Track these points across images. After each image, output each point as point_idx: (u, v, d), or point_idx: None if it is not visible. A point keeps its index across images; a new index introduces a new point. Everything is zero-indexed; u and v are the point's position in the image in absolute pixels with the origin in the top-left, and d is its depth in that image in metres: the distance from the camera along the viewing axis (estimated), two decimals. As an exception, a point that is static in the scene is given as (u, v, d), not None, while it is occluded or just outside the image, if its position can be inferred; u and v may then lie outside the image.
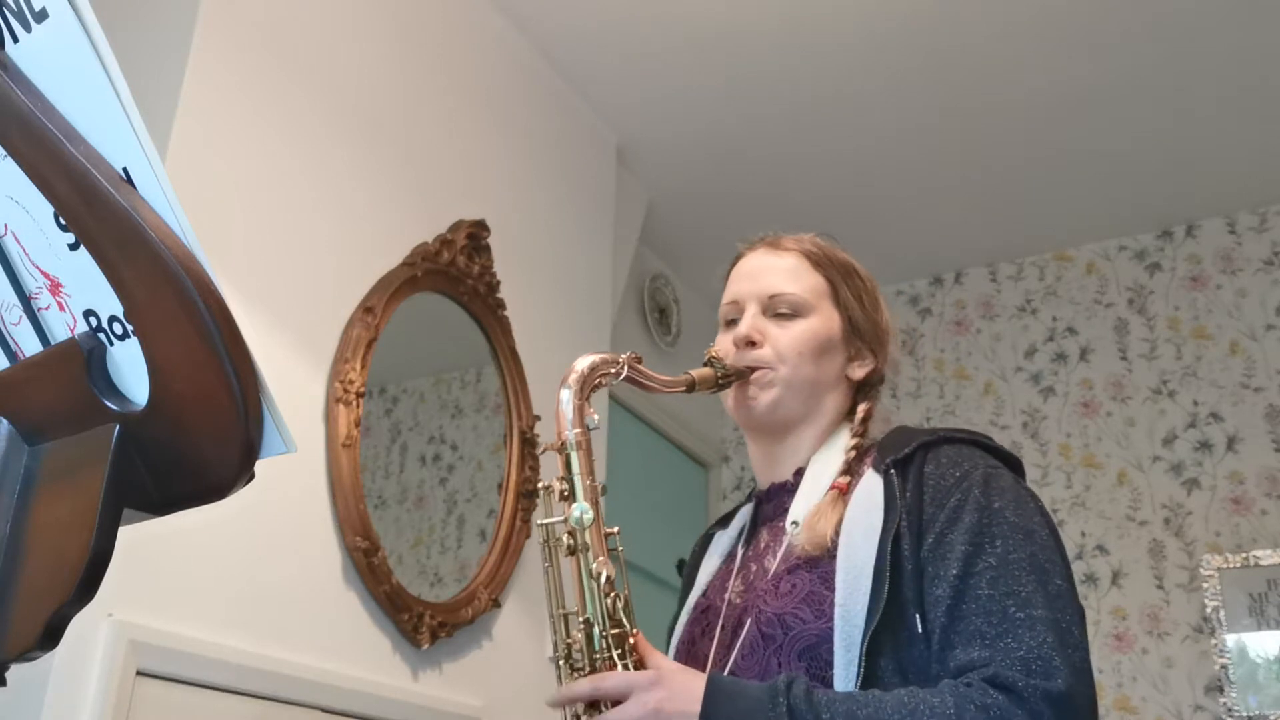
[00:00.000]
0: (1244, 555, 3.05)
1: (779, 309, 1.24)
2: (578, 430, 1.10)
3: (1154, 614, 3.14)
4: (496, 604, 2.28)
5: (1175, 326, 3.41)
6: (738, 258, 1.33)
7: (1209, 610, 3.04)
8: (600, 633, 1.05)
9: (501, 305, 2.46)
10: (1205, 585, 3.07)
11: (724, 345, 1.25)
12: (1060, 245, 3.65)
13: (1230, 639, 2.98)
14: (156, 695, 1.59)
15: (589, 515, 1.07)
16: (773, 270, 1.26)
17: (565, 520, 1.08)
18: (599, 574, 1.06)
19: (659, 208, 3.44)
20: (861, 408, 1.26)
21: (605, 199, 3.08)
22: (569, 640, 1.09)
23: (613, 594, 1.06)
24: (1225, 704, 2.93)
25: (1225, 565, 3.06)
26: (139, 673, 1.56)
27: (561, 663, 1.09)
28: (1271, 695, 2.89)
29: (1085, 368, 3.51)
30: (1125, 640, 3.14)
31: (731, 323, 1.27)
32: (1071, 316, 3.59)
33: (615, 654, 1.04)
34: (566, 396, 1.12)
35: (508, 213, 2.58)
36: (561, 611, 1.11)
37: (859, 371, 1.27)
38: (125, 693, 1.53)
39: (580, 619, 1.07)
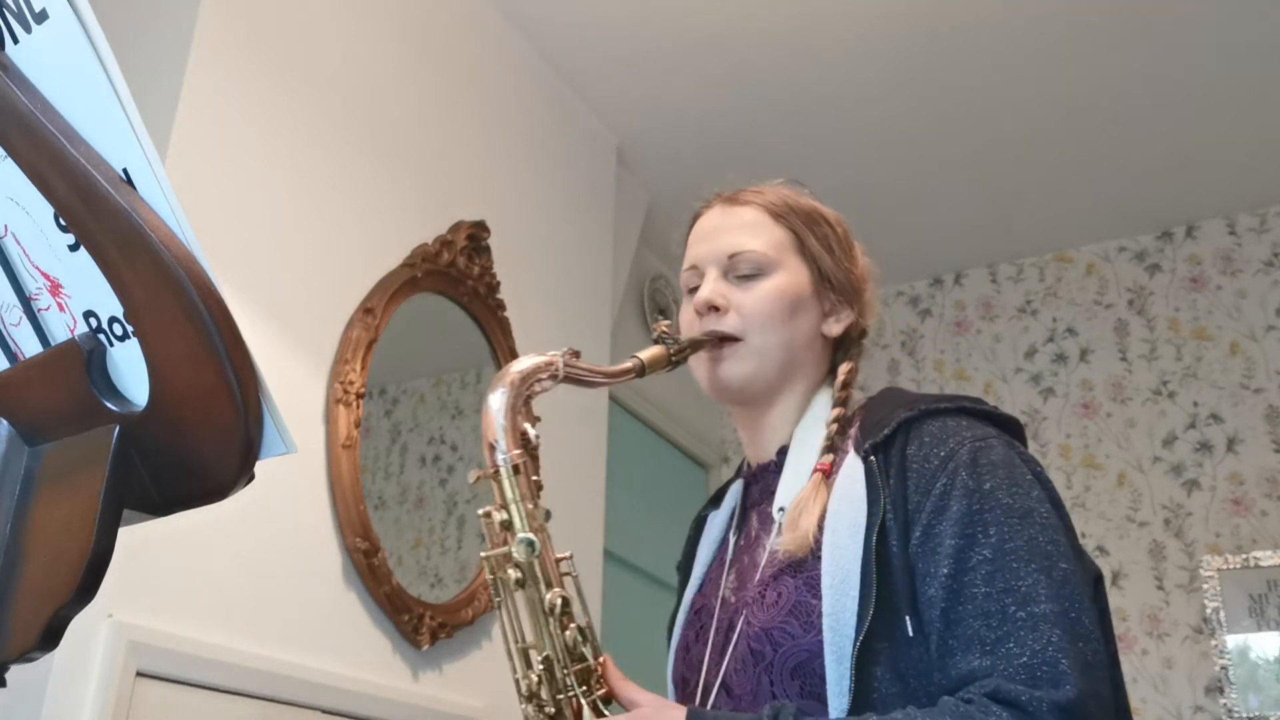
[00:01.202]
0: (1244, 556, 3.05)
1: (740, 269, 1.13)
2: (515, 453, 1.00)
3: (1154, 615, 3.14)
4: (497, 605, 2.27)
5: (1175, 327, 3.41)
6: (695, 218, 1.23)
7: (1209, 611, 3.04)
8: (562, 670, 0.96)
9: (501, 306, 2.46)
10: (1205, 586, 3.07)
11: (687, 316, 1.15)
12: (1060, 246, 3.65)
13: (1230, 640, 2.97)
14: (156, 696, 1.59)
15: (534, 547, 0.97)
16: (730, 228, 1.16)
17: (509, 552, 0.99)
18: (553, 606, 0.97)
19: (659, 208, 3.44)
20: (842, 369, 1.15)
21: (605, 200, 3.08)
22: (529, 679, 0.99)
23: (571, 625, 0.97)
24: (1225, 705, 2.93)
25: (1225, 566, 3.06)
26: (139, 674, 1.56)
27: (526, 702, 0.99)
28: (1272, 696, 2.89)
29: (1085, 369, 3.51)
30: (1125, 641, 3.14)
31: (694, 290, 1.17)
32: (1071, 317, 3.59)
33: (580, 691, 0.96)
34: (498, 407, 1.01)
35: (508, 214, 2.58)
36: (520, 646, 1.00)
37: (836, 327, 1.16)
38: (125, 694, 1.53)
39: (539, 656, 0.98)
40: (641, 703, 0.96)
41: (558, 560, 1.00)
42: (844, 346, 1.19)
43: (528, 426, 1.02)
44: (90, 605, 0.63)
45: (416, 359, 2.37)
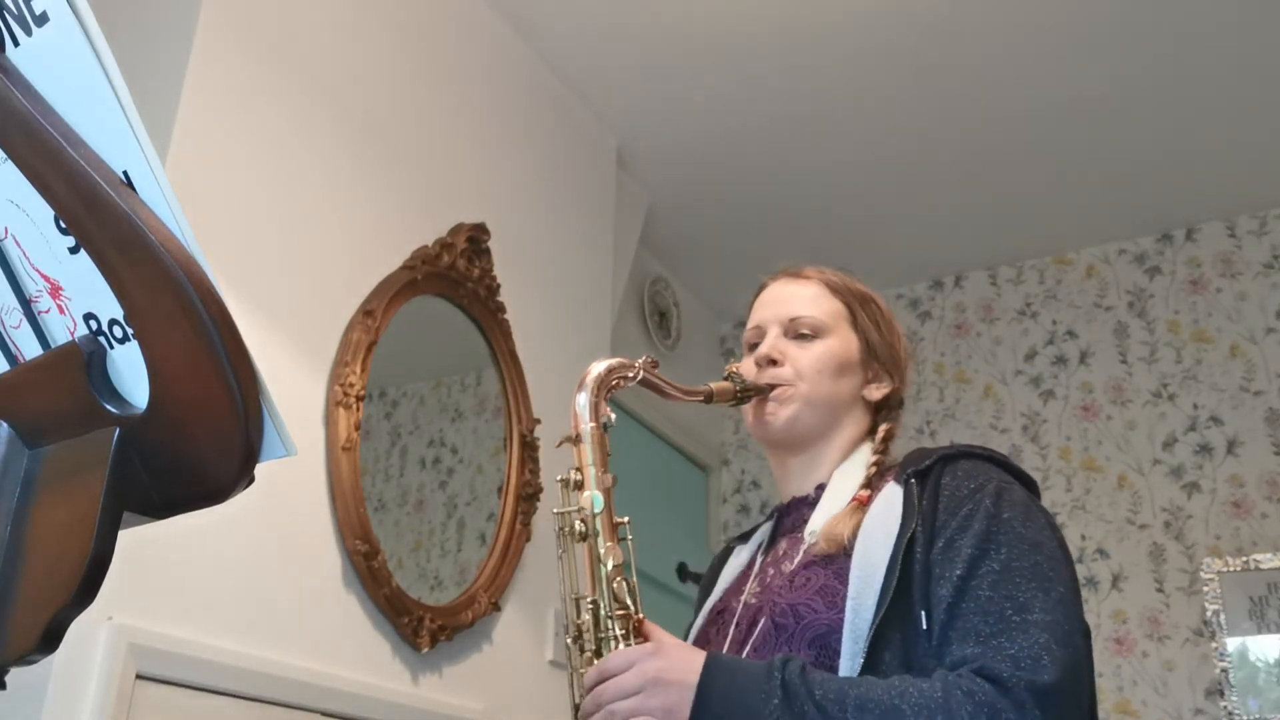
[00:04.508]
0: (1244, 559, 3.05)
1: (799, 330, 1.29)
2: (591, 425, 1.15)
3: (1154, 617, 3.14)
4: (496, 607, 2.28)
5: (1175, 330, 3.41)
6: (761, 287, 1.39)
7: (1209, 614, 3.03)
8: (606, 614, 1.09)
9: (502, 308, 2.46)
10: (1205, 589, 3.06)
11: (746, 368, 1.30)
12: (1060, 249, 3.65)
13: (1230, 642, 2.97)
14: (156, 699, 1.59)
15: (600, 502, 1.11)
16: (794, 297, 1.32)
17: (578, 508, 1.13)
18: (607, 558, 1.10)
19: (659, 211, 3.44)
20: (882, 428, 1.30)
21: (605, 202, 3.08)
22: (579, 622, 1.12)
23: (620, 578, 1.10)
24: (1226, 708, 2.93)
25: (1225, 569, 3.05)
26: (139, 676, 1.56)
27: (571, 643, 1.13)
28: (1272, 699, 2.89)
29: (1085, 371, 3.50)
30: (1125, 644, 3.14)
31: (754, 348, 1.33)
32: (1071, 320, 3.59)
33: (619, 634, 1.08)
34: (583, 399, 1.16)
35: (508, 216, 2.58)
36: (573, 596, 1.14)
37: (877, 393, 1.31)
38: (125, 696, 1.53)
39: (589, 601, 1.11)
40: (665, 640, 1.09)
41: (616, 523, 1.14)
42: (883, 411, 1.33)
43: (608, 409, 1.18)
44: (90, 608, 0.63)
45: (416, 361, 2.38)
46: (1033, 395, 3.56)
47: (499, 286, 2.46)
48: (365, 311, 2.09)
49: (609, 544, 1.11)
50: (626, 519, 1.14)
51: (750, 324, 1.36)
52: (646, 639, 1.09)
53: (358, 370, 2.03)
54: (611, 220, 3.09)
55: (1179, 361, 3.37)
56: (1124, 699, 3.09)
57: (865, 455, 1.27)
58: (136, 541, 1.45)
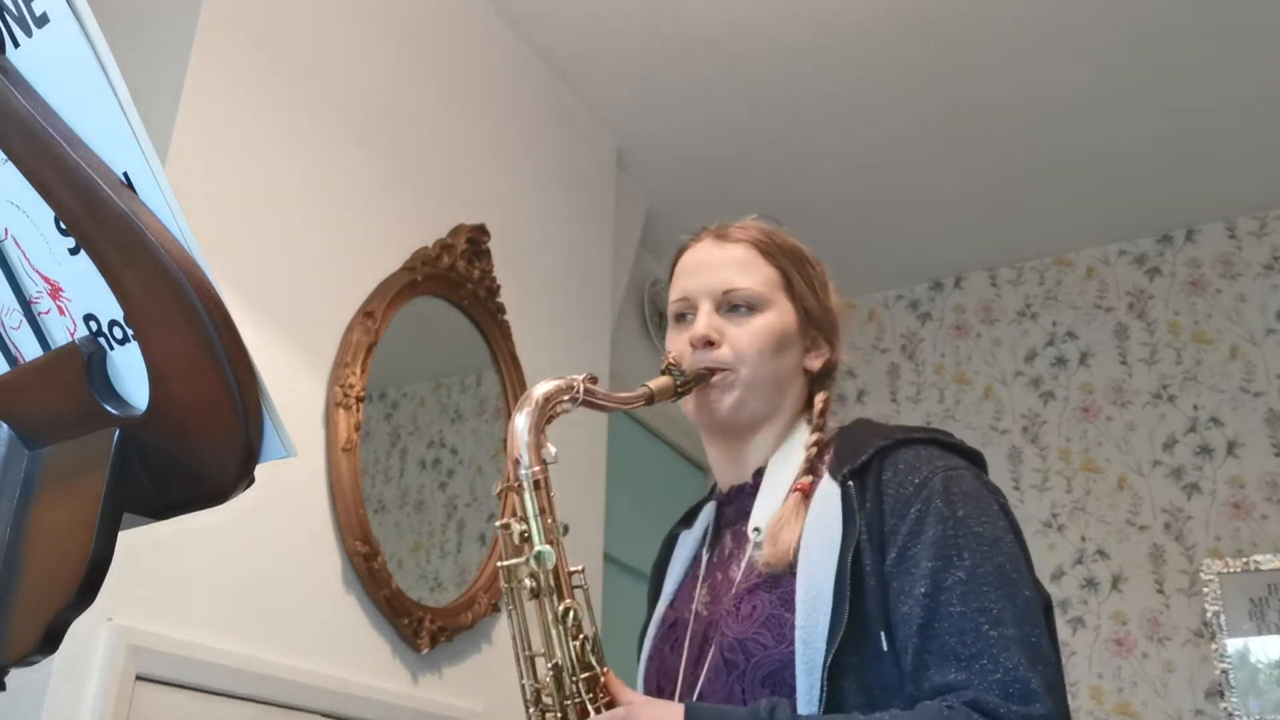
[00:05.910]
0: (1244, 560, 3.05)
1: (734, 304, 1.19)
2: (536, 469, 1.04)
3: (1154, 619, 3.14)
4: (496, 609, 2.28)
5: (1175, 331, 3.41)
6: (682, 250, 1.28)
7: (1209, 615, 3.03)
8: (570, 677, 1.02)
9: (501, 310, 2.46)
10: (1205, 590, 3.06)
11: (678, 345, 1.19)
12: (1060, 250, 3.65)
13: (1230, 644, 2.97)
14: (156, 700, 1.58)
15: (550, 557, 1.02)
16: (723, 264, 1.21)
17: (526, 562, 1.03)
18: (564, 616, 1.02)
19: (659, 212, 3.44)
20: (819, 399, 1.22)
21: (605, 203, 3.08)
22: (537, 684, 1.05)
23: (580, 636, 1.02)
24: (1226, 709, 2.93)
25: (1225, 570, 3.05)
26: (138, 677, 1.56)
27: (531, 708, 1.05)
28: (1272, 700, 2.89)
29: (1085, 372, 3.50)
30: (1126, 645, 3.14)
31: (681, 318, 1.22)
32: (1071, 321, 3.59)
33: (587, 697, 1.01)
34: (523, 426, 1.04)
35: (508, 217, 2.58)
36: (528, 654, 1.06)
37: (816, 362, 1.23)
38: (125, 697, 1.53)
39: (549, 664, 1.03)
40: (635, 701, 1.02)
41: (570, 573, 1.05)
42: (819, 379, 1.25)
43: (548, 444, 1.07)
44: (90, 609, 0.63)
45: (416, 362, 2.38)
46: (1033, 396, 3.56)
47: (499, 287, 2.46)
48: (365, 313, 2.09)
49: (566, 600, 1.02)
50: (581, 567, 1.06)
51: (675, 294, 1.23)
52: (613, 697, 1.02)
53: (358, 371, 2.03)
54: (611, 221, 3.09)
55: (1179, 363, 3.37)
56: (1124, 700, 3.09)
57: (803, 435, 1.19)
58: (136, 542, 1.45)
